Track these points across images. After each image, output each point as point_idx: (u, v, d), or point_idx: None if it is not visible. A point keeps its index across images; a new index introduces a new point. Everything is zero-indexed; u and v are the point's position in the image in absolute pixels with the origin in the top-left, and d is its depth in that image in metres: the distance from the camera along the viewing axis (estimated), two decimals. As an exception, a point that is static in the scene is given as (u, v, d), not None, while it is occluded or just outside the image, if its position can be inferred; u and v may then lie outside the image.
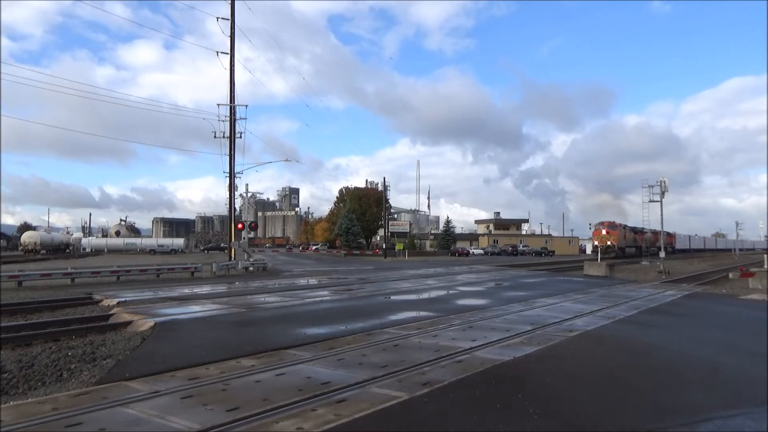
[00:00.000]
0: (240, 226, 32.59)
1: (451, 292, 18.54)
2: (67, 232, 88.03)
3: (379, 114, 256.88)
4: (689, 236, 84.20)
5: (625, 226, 58.48)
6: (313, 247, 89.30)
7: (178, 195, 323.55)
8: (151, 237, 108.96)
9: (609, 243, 52.24)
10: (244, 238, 34.45)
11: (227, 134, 30.84)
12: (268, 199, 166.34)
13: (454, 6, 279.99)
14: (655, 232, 61.06)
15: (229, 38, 31.24)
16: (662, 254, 36.58)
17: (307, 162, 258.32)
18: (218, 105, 30.89)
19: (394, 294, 17.58)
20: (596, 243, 54.54)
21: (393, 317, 11.70)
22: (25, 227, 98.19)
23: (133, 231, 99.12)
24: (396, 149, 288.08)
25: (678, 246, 73.75)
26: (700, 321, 12.95)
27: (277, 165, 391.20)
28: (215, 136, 30.62)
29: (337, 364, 6.83)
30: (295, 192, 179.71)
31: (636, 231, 60.87)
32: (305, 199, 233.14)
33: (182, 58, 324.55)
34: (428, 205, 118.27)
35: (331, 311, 13.05)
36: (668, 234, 54.21)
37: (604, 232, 54.18)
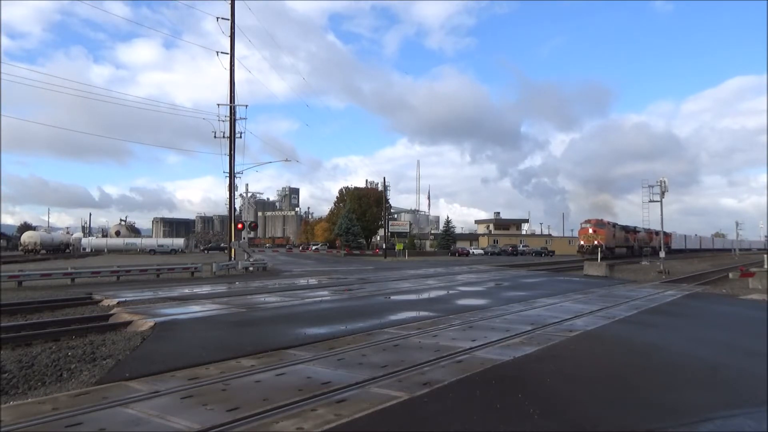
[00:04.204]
0: (240, 226, 32.60)
1: (451, 292, 18.54)
2: (67, 232, 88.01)
3: (378, 113, 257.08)
4: (685, 236, 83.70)
5: (614, 225, 55.86)
6: (313, 247, 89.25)
7: (177, 195, 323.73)
8: (151, 237, 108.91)
9: (596, 242, 49.54)
10: (244, 238, 34.47)
11: (227, 134, 30.85)
12: (268, 199, 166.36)
13: (455, 5, 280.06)
14: (649, 231, 59.49)
15: (229, 38, 31.27)
16: (662, 254, 36.55)
17: (306, 162, 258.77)
18: (218, 105, 30.95)
19: (394, 294, 17.58)
20: (582, 242, 52.23)
21: (393, 317, 11.70)
22: (25, 227, 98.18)
23: (133, 231, 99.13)
24: (396, 149, 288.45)
25: (674, 246, 71.94)
26: (700, 321, 12.95)
27: (276, 165, 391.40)
28: (215, 136, 30.67)
29: (337, 364, 6.83)
30: (295, 192, 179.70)
31: (628, 230, 58.44)
32: (305, 199, 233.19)
33: (182, 58, 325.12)
34: (428, 205, 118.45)
35: (331, 311, 13.06)
36: (664, 233, 52.25)
37: (590, 230, 51.36)
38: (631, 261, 46.73)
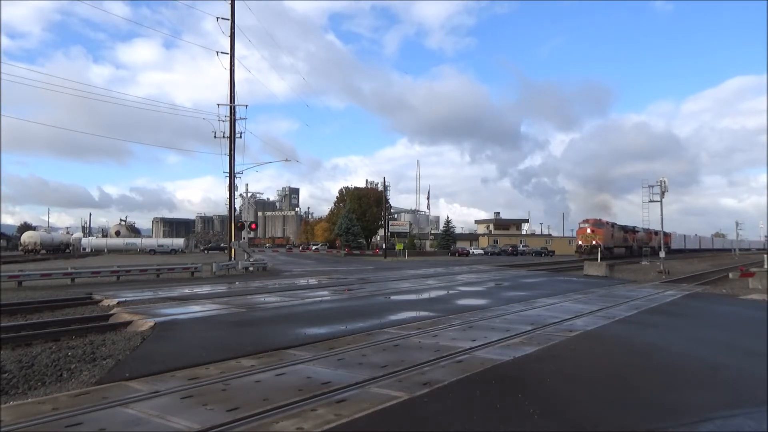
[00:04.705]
0: (240, 226, 32.59)
1: (451, 292, 18.54)
2: (67, 232, 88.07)
3: (378, 113, 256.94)
4: (684, 236, 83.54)
5: (613, 225, 55.33)
6: (313, 247, 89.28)
7: (177, 195, 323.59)
8: (151, 237, 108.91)
9: (594, 242, 49.03)
10: (244, 238, 34.45)
11: (227, 134, 30.85)
12: (268, 199, 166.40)
13: (455, 5, 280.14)
14: (648, 231, 59.14)
15: (229, 38, 31.25)
16: (662, 254, 36.56)
17: (306, 162, 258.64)
18: (218, 105, 30.95)
19: (394, 294, 17.58)
20: (580, 242, 51.81)
21: (393, 317, 11.70)
22: (25, 227, 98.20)
23: (133, 231, 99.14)
24: (396, 149, 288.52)
25: (673, 246, 71.10)
26: (700, 321, 12.95)
27: (276, 165, 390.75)
28: (215, 136, 30.66)
29: (337, 364, 6.83)
30: (295, 192, 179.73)
31: (627, 230, 57.99)
32: (305, 199, 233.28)
33: (182, 57, 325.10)
34: (428, 205, 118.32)
35: (331, 311, 13.05)
36: (663, 233, 51.50)
37: (588, 230, 50.81)
38: (631, 261, 46.55)
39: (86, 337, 9.42)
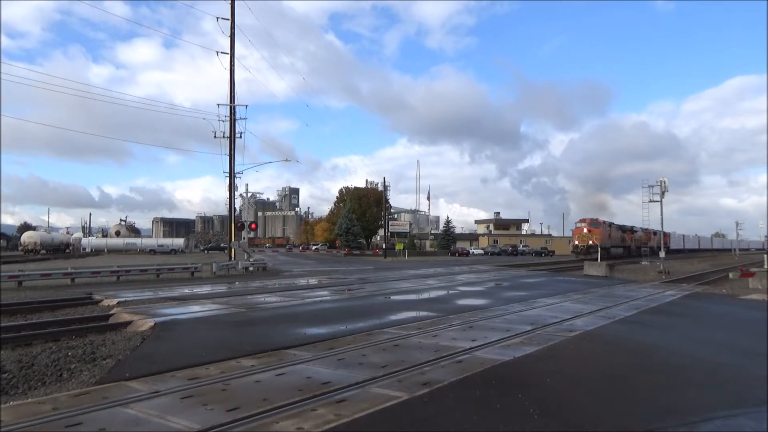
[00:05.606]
0: (240, 226, 32.59)
1: (451, 292, 18.54)
2: (67, 232, 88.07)
3: (377, 113, 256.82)
4: (683, 236, 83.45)
5: (610, 224, 54.91)
6: (313, 247, 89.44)
7: (176, 195, 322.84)
8: (151, 237, 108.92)
9: (591, 242, 48.54)
10: (244, 238, 34.43)
11: (227, 134, 30.85)
12: (268, 199, 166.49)
13: (456, 4, 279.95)
14: (647, 231, 58.88)
15: (229, 38, 31.24)
16: (662, 254, 36.56)
17: (306, 162, 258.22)
18: (218, 105, 30.94)
19: (394, 294, 17.58)
20: (577, 242, 51.47)
21: (393, 317, 11.70)
22: (25, 227, 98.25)
23: (133, 231, 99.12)
24: (395, 149, 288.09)
25: (672, 246, 70.66)
26: (700, 321, 12.95)
27: (276, 165, 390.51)
28: (215, 136, 30.65)
29: (337, 364, 6.83)
30: (295, 192, 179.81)
31: (624, 230, 57.60)
32: (305, 199, 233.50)
33: (181, 57, 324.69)
34: (428, 205, 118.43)
35: (331, 311, 13.06)
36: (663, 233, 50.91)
37: (585, 230, 50.47)
38: (631, 261, 46.50)
39: (86, 337, 9.42)
